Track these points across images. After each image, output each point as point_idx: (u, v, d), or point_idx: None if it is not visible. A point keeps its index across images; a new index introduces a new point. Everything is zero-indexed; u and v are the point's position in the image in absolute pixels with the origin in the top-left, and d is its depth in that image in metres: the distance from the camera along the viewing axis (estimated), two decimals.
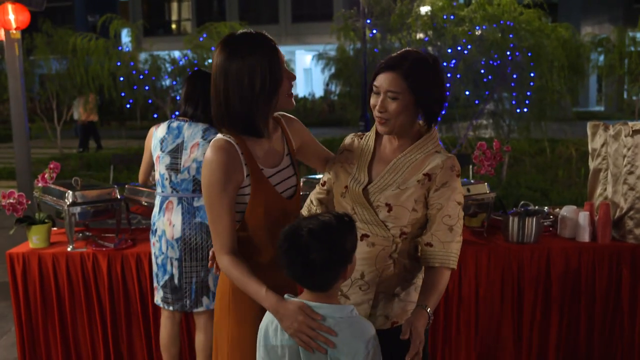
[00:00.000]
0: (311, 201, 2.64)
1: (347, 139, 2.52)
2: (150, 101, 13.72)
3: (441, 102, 2.29)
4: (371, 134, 2.44)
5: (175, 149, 3.55)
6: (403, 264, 2.34)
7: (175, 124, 3.60)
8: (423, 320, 2.09)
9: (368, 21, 12.49)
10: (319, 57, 17.77)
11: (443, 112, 2.46)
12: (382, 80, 2.25)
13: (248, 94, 2.10)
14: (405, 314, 2.35)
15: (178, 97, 13.24)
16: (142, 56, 14.52)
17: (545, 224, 4.11)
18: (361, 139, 2.47)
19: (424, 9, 11.44)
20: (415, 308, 2.15)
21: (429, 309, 2.14)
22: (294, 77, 2.21)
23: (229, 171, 2.11)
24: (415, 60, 2.22)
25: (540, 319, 3.85)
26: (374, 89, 2.29)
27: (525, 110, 11.03)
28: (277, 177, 2.25)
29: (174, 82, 13.71)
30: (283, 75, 2.14)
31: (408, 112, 2.25)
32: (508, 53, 10.43)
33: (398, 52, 2.29)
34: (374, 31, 12.35)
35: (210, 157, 2.13)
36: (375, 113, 2.28)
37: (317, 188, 2.63)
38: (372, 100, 2.30)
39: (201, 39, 13.29)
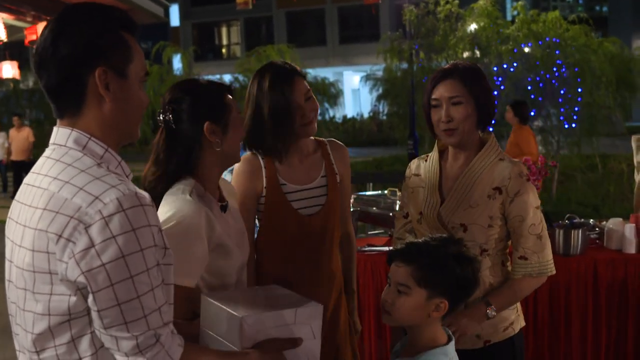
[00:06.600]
0: (398, 238, 2.53)
1: (413, 163, 2.52)
2: None
3: (494, 107, 2.33)
4: (434, 154, 2.41)
5: None
6: (488, 281, 2.29)
7: None
8: (475, 314, 2.17)
9: (417, 47, 12.63)
10: (367, 77, 17.95)
11: (493, 122, 2.51)
12: (441, 90, 2.24)
13: (263, 120, 2.36)
14: (497, 331, 2.31)
15: None
16: None
17: (591, 236, 4.14)
18: (426, 161, 2.45)
19: (468, 28, 11.55)
20: (478, 302, 2.21)
21: (492, 306, 2.20)
22: (312, 109, 2.41)
23: (250, 178, 2.42)
24: (467, 67, 2.29)
25: (589, 329, 3.87)
26: (433, 102, 2.26)
27: (573, 125, 10.96)
28: (302, 193, 2.46)
29: None
30: (294, 108, 2.35)
31: (471, 118, 2.24)
32: (554, 69, 10.44)
33: (447, 65, 2.35)
34: (416, 48, 12.50)
35: (237, 166, 2.44)
36: (441, 126, 2.25)
37: (402, 221, 2.53)
38: (435, 116, 2.27)
39: (262, 66, 13.51)
